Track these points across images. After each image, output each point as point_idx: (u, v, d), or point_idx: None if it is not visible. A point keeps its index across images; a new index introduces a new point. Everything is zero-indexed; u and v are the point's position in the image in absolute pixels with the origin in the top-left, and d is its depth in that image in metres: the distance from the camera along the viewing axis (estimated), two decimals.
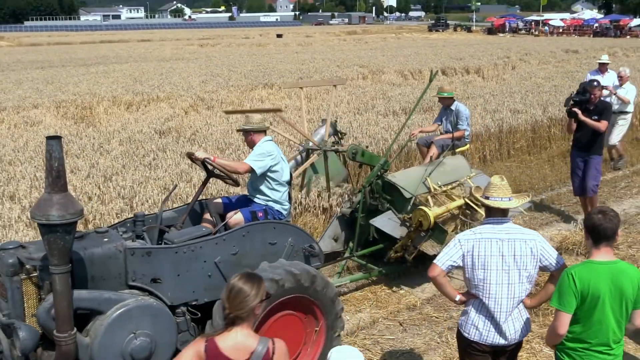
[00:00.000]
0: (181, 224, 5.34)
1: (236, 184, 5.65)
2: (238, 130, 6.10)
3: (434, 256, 5.75)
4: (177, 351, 4.37)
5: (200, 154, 5.38)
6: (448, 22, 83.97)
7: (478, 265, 3.93)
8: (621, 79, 11.05)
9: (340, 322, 5.13)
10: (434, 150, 8.91)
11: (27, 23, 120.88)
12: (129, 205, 7.52)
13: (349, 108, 14.42)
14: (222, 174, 5.46)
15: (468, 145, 9.41)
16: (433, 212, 6.30)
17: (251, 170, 5.51)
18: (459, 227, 6.84)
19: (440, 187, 7.00)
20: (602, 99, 8.49)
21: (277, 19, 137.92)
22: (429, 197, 6.80)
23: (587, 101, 8.00)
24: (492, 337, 3.97)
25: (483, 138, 11.72)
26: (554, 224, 8.76)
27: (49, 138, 3.71)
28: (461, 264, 3.98)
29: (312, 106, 14.78)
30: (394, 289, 6.84)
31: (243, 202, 5.73)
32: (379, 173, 7.06)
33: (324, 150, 7.69)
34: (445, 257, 3.98)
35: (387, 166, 7.21)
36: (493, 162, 11.78)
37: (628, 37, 53.33)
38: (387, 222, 6.77)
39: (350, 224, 7.23)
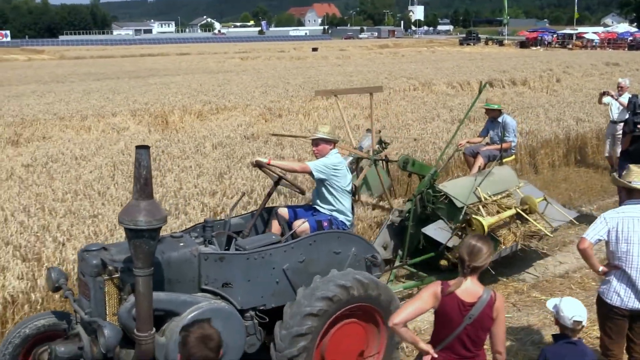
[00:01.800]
0: (248, 231, 5.55)
1: (302, 192, 5.85)
2: (309, 139, 6.20)
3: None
4: (245, 354, 4.66)
5: (255, 159, 5.67)
6: (479, 35, 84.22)
7: (622, 239, 4.59)
8: (621, 89, 11.60)
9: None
10: (480, 161, 9.09)
11: (61, 37, 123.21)
12: (250, 199, 8.22)
13: (414, 117, 15.10)
14: (288, 182, 5.64)
15: (514, 156, 9.59)
16: (487, 221, 6.54)
17: (309, 172, 5.68)
18: (518, 238, 7.07)
19: (490, 196, 7.17)
20: None
21: (306, 33, 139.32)
22: (480, 207, 6.96)
23: None
24: (632, 303, 4.61)
25: (552, 144, 12.31)
26: None
27: (138, 147, 3.87)
28: (606, 239, 4.65)
29: (376, 116, 15.53)
30: None
31: (308, 212, 5.89)
32: (429, 182, 7.19)
33: (374, 160, 7.80)
34: (593, 233, 4.65)
35: (437, 176, 7.34)
36: (561, 167, 12.38)
37: None
38: (439, 231, 6.89)
39: (399, 232, 7.31)
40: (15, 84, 26.94)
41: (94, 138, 13.11)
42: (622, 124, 11.38)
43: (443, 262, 7.08)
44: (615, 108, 11.59)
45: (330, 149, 5.84)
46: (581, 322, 3.92)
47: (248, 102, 18.59)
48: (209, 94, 20.75)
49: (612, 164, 12.06)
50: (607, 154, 12.01)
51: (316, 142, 5.85)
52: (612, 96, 11.55)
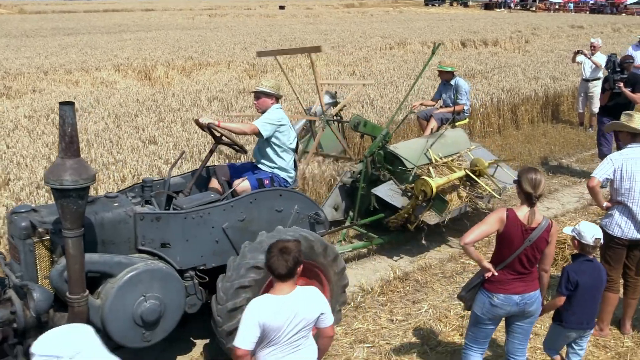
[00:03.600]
0: (189, 190, 5.33)
1: (243, 150, 5.61)
2: (251, 92, 6.03)
3: (436, 225, 6.88)
4: (185, 314, 4.65)
5: (204, 120, 5.35)
6: None
7: (625, 178, 5.20)
8: (594, 49, 12.22)
9: (343, 297, 5.20)
10: (433, 123, 9.01)
11: None
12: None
13: (397, 75, 15.53)
14: (229, 141, 5.44)
15: (467, 119, 9.54)
16: (435, 182, 6.50)
17: (258, 133, 5.49)
18: (464, 199, 7.12)
19: (441, 158, 7.21)
20: (633, 71, 9.85)
21: None
22: (431, 168, 6.97)
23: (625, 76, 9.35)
24: (632, 233, 5.25)
25: (532, 101, 12.96)
26: None
27: (62, 104, 3.70)
28: (612, 177, 5.26)
29: (360, 72, 15.96)
30: (394, 258, 7.08)
31: (249, 169, 5.75)
32: (381, 144, 7.11)
33: (326, 121, 7.65)
34: (601, 172, 5.26)
35: (389, 137, 7.25)
36: (539, 123, 13.06)
37: (624, 14, 54.59)
38: (389, 192, 6.86)
39: (350, 193, 7.30)
40: None
41: (87, 92, 13.21)
42: (594, 81, 12.12)
43: (392, 223, 7.01)
44: (588, 67, 12.21)
45: (272, 103, 5.65)
46: (600, 238, 4.54)
47: (230, 58, 18.77)
48: (189, 50, 20.80)
49: (582, 121, 12.80)
50: (580, 111, 12.70)
51: (257, 95, 5.68)
52: (585, 55, 12.18)
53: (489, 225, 4.19)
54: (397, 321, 5.74)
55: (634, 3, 59.67)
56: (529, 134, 12.31)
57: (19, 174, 7.31)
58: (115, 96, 12.47)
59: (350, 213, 7.17)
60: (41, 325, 4.14)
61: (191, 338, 5.36)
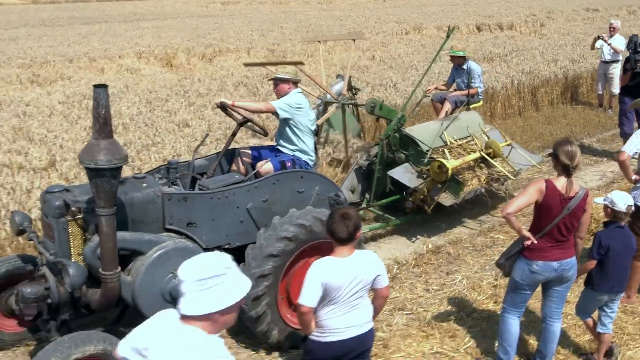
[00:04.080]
0: (212, 172, 5.46)
1: (265, 133, 5.79)
2: (269, 80, 6.20)
3: (450, 207, 7.00)
4: None
5: (220, 100, 5.57)
6: None
7: None
8: (613, 30, 12.32)
9: None
10: (447, 106, 9.09)
11: None
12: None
13: (417, 59, 15.70)
14: (252, 123, 5.61)
15: (481, 102, 9.64)
16: (450, 164, 6.60)
17: (274, 112, 5.62)
18: (481, 180, 7.16)
19: (456, 140, 7.31)
20: None
21: None
22: (446, 150, 7.07)
23: None
24: None
25: (552, 83, 13.15)
26: None
27: (96, 86, 3.82)
28: None
29: (380, 57, 16.17)
30: (412, 239, 7.24)
31: (271, 152, 5.89)
32: (396, 126, 7.20)
33: (342, 104, 7.74)
34: (631, 146, 5.49)
35: (404, 120, 7.33)
36: (559, 105, 13.25)
37: None
38: (404, 174, 6.96)
39: (367, 176, 7.37)
40: (4, 27, 26.75)
41: (113, 78, 13.54)
42: (614, 63, 12.27)
43: (408, 204, 7.17)
44: (607, 49, 12.35)
45: (289, 89, 5.79)
46: (632, 205, 4.80)
47: (249, 44, 18.99)
48: (207, 37, 21.02)
49: (602, 102, 12.95)
50: (600, 92, 12.85)
51: (275, 82, 5.86)
52: (604, 40, 12.30)
53: (529, 196, 4.44)
54: (433, 290, 6.04)
55: None
56: (549, 115, 12.51)
57: (63, 156, 7.63)
58: (143, 82, 12.79)
59: (367, 195, 7.25)
60: (74, 301, 4.36)
61: None
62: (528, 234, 4.50)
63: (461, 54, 9.29)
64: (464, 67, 9.26)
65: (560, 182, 4.40)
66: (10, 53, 17.16)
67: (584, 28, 23.82)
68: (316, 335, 3.82)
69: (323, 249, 4.81)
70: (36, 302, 4.21)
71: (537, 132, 11.21)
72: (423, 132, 7.30)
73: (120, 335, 3.89)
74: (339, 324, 3.73)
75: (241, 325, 4.90)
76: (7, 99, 11.03)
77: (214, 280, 2.41)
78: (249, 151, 5.86)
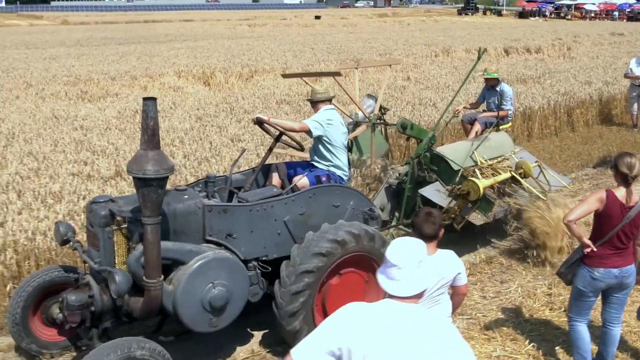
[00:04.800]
0: (249, 186, 5.61)
1: (301, 148, 5.82)
2: (307, 100, 6.37)
3: (481, 226, 7.00)
4: (248, 303, 4.84)
5: (256, 116, 5.75)
6: (477, 5, 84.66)
7: None
8: None
9: None
10: (477, 127, 9.21)
11: (53, 3, 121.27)
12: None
13: (450, 80, 16.04)
14: (288, 138, 5.73)
15: (510, 124, 9.80)
16: (482, 183, 6.65)
17: (307, 130, 5.75)
18: (512, 201, 7.16)
19: (486, 161, 7.39)
20: None
21: (300, 1, 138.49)
22: (476, 170, 7.13)
23: None
24: None
25: (587, 104, 13.41)
26: None
27: (145, 99, 3.92)
28: None
29: (416, 77, 16.52)
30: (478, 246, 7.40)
31: (306, 168, 6.01)
32: (427, 146, 7.26)
33: (373, 123, 7.74)
34: None
35: (435, 140, 7.44)
36: (594, 125, 13.49)
37: None
38: (436, 193, 7.04)
39: (396, 194, 7.43)
40: (42, 47, 27.57)
41: (159, 95, 13.99)
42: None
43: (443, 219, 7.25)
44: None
45: (322, 106, 5.97)
46: None
47: (284, 65, 19.48)
48: (242, 57, 21.55)
49: (635, 123, 13.14)
50: (634, 113, 13.01)
51: (311, 103, 6.09)
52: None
53: (590, 205, 4.70)
54: (490, 297, 6.28)
55: None
56: (585, 135, 12.76)
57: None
58: (189, 99, 13.23)
59: (396, 214, 7.34)
60: (116, 309, 4.52)
61: (248, 330, 5.65)
62: (588, 242, 4.72)
63: (495, 75, 9.48)
64: (497, 88, 9.42)
65: (620, 192, 4.64)
66: (54, 71, 17.79)
67: (612, 51, 24.09)
68: None
69: (358, 262, 5.04)
70: (80, 310, 4.36)
71: (575, 152, 11.46)
72: (454, 151, 7.41)
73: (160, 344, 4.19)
74: None
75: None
76: (63, 113, 11.49)
77: (425, 260, 2.69)
78: (285, 166, 6.00)
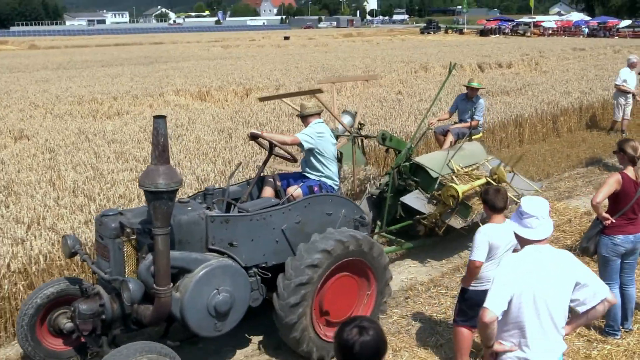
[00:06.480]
0: (246, 197, 5.93)
1: (294, 160, 6.21)
2: (297, 116, 6.73)
3: (461, 229, 7.52)
4: (250, 308, 5.11)
5: (250, 131, 6.15)
6: (439, 24, 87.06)
7: None
8: (632, 65, 13.87)
9: (388, 290, 5.77)
10: (451, 137, 9.72)
11: (13, 28, 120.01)
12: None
13: (442, 94, 17.03)
14: (282, 150, 6.07)
15: (482, 134, 10.31)
16: (460, 188, 7.00)
17: (299, 143, 6.09)
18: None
19: (462, 168, 7.77)
20: None
21: (264, 23, 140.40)
22: (454, 177, 7.51)
23: None
24: None
25: (569, 112, 14.61)
26: None
27: (156, 117, 4.12)
28: None
29: (407, 90, 17.56)
30: (426, 260, 7.84)
31: (298, 178, 6.35)
32: (406, 156, 7.69)
33: (354, 136, 8.00)
34: None
35: (412, 150, 7.86)
36: (577, 131, 14.69)
37: (616, 37, 56.95)
38: (416, 200, 7.42)
39: (377, 204, 7.82)
40: (26, 71, 27.90)
41: (169, 113, 14.69)
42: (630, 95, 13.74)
43: (420, 229, 7.67)
44: (634, 81, 13.80)
45: (312, 120, 6.32)
46: None
47: (276, 83, 20.30)
48: (233, 76, 22.29)
49: (619, 127, 14.34)
50: (618, 118, 14.15)
51: (302, 118, 6.48)
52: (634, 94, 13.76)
53: (610, 186, 5.69)
54: None
55: (626, 27, 62.40)
56: (570, 140, 13.92)
57: None
58: (203, 115, 13.95)
59: (378, 222, 7.74)
60: (125, 317, 4.80)
61: (246, 335, 5.97)
62: (607, 216, 5.72)
63: (480, 86, 10.14)
64: (473, 99, 9.92)
65: (630, 172, 5.67)
66: (54, 92, 18.28)
67: (580, 65, 25.62)
68: (474, 286, 4.97)
69: (354, 267, 5.45)
70: (92, 318, 4.64)
71: (564, 154, 12.58)
72: (431, 160, 7.79)
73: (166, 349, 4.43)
74: None
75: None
76: (91, 129, 12.11)
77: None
78: (278, 178, 6.27)
